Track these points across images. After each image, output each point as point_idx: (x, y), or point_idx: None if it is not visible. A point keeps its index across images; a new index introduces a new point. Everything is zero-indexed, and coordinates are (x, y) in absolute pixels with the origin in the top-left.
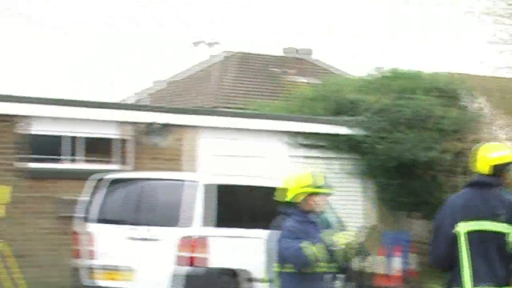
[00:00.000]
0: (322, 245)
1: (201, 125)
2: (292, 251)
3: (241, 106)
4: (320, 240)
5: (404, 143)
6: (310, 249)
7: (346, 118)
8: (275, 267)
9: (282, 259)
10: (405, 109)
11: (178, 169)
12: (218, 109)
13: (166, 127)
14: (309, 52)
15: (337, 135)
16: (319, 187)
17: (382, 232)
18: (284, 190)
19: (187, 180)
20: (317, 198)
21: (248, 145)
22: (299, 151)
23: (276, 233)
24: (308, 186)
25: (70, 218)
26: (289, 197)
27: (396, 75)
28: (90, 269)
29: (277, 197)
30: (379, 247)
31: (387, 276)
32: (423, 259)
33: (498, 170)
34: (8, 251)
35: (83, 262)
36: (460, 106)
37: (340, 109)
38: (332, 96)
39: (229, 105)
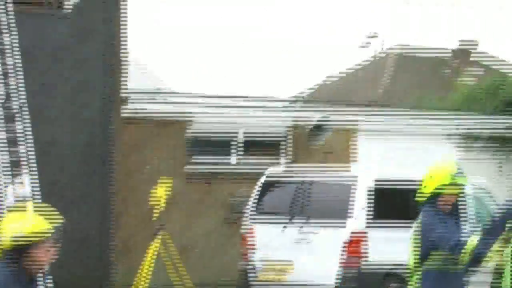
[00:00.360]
0: (474, 245)
1: (364, 122)
2: (450, 233)
3: (406, 103)
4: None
5: None
6: (470, 241)
7: None
8: (416, 262)
9: (434, 245)
10: None
11: (340, 165)
12: (382, 106)
13: (329, 124)
14: (475, 45)
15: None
16: (455, 183)
17: None
18: (424, 184)
19: (352, 177)
20: (452, 194)
21: (411, 143)
22: (468, 152)
23: (418, 227)
24: (444, 181)
25: (237, 217)
26: (427, 191)
27: None
28: (255, 266)
29: (418, 191)
30: None
31: None
32: None
33: None
34: (171, 243)
35: (249, 260)
36: None
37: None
38: (501, 92)
39: (393, 103)
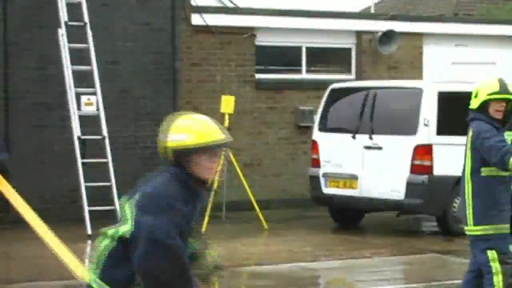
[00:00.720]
0: None
1: (429, 32)
2: (500, 142)
3: (476, 11)
4: None
5: None
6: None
7: None
8: (470, 171)
9: (484, 155)
10: None
11: (406, 77)
12: (452, 16)
13: (394, 35)
14: None
15: None
16: (504, 93)
17: None
18: (473, 96)
19: (420, 88)
20: (502, 101)
21: (480, 52)
22: None
23: (470, 136)
24: (493, 92)
25: (306, 127)
26: (476, 103)
27: None
28: (325, 177)
29: (469, 104)
30: None
31: None
32: None
33: None
34: (234, 160)
35: (320, 170)
36: None
37: None
38: None
39: (464, 12)
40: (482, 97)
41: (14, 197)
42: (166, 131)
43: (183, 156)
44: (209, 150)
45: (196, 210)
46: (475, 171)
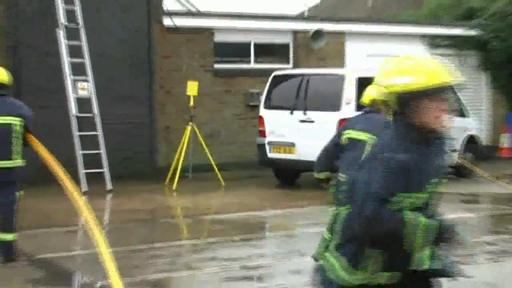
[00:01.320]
0: None
1: (350, 31)
2: None
3: (386, 15)
4: None
5: None
6: None
7: (471, 22)
8: None
9: None
10: None
11: (331, 66)
12: (368, 18)
13: (323, 33)
14: None
15: (467, 36)
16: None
17: (507, 114)
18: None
19: (343, 75)
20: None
21: (389, 47)
22: (437, 50)
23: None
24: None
25: (254, 106)
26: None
27: None
28: (270, 145)
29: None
30: (503, 126)
31: (508, 149)
32: None
33: None
34: (198, 132)
35: (265, 139)
36: None
37: (468, 14)
38: (462, 4)
39: (377, 15)
40: (367, 99)
41: (48, 157)
42: (384, 75)
43: (409, 102)
44: (439, 94)
45: (431, 164)
46: None
